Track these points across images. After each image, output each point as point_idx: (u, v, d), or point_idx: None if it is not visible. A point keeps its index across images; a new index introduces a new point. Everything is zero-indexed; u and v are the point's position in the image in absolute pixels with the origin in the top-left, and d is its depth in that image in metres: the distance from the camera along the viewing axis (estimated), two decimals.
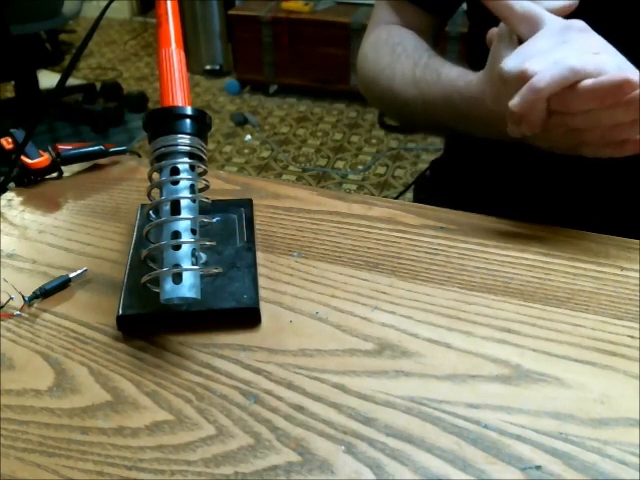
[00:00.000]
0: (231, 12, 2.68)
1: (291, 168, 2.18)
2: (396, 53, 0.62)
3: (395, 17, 0.69)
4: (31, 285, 0.42)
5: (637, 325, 0.39)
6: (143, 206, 0.49)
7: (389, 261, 0.45)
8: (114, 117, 2.48)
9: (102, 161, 0.59)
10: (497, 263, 0.45)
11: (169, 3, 0.45)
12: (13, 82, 2.42)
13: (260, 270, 0.44)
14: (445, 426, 0.33)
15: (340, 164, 2.20)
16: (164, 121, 0.41)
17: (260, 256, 0.45)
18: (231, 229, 0.46)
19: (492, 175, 0.69)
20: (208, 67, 2.88)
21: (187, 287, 0.36)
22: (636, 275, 0.44)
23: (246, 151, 2.29)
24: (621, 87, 0.39)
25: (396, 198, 0.58)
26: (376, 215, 0.51)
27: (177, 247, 0.37)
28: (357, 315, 0.40)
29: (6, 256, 0.47)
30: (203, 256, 0.43)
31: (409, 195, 0.82)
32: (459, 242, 0.47)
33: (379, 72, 0.63)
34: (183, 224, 0.38)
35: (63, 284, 0.43)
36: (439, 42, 0.72)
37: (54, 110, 2.42)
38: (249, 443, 0.32)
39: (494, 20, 0.63)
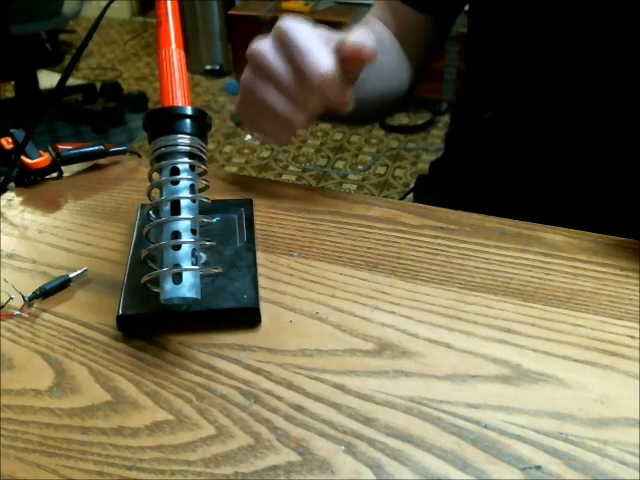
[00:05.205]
0: (231, 12, 2.68)
1: (291, 168, 2.18)
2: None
3: (389, 16, 0.68)
4: (31, 285, 0.42)
5: (637, 325, 0.39)
6: (143, 206, 0.49)
7: (389, 261, 0.45)
8: (114, 117, 2.48)
9: (102, 161, 0.59)
10: (497, 263, 0.45)
11: (169, 3, 0.45)
12: (13, 82, 2.42)
13: (260, 270, 0.44)
14: (445, 426, 0.33)
15: (340, 164, 2.20)
16: (164, 121, 0.41)
17: (260, 256, 0.45)
18: (231, 229, 0.46)
19: (492, 175, 0.69)
20: (208, 67, 2.88)
21: (187, 287, 0.36)
22: (636, 275, 0.44)
23: (246, 151, 2.29)
24: None
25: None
26: (376, 215, 0.51)
27: (177, 247, 0.37)
28: (357, 315, 0.40)
29: (6, 256, 0.47)
30: (203, 256, 0.43)
31: (409, 195, 0.82)
32: (459, 242, 0.47)
33: None
34: (183, 224, 0.38)
35: (63, 284, 0.43)
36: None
37: (54, 110, 2.42)
38: (249, 443, 0.32)
39: (495, 20, 0.63)
